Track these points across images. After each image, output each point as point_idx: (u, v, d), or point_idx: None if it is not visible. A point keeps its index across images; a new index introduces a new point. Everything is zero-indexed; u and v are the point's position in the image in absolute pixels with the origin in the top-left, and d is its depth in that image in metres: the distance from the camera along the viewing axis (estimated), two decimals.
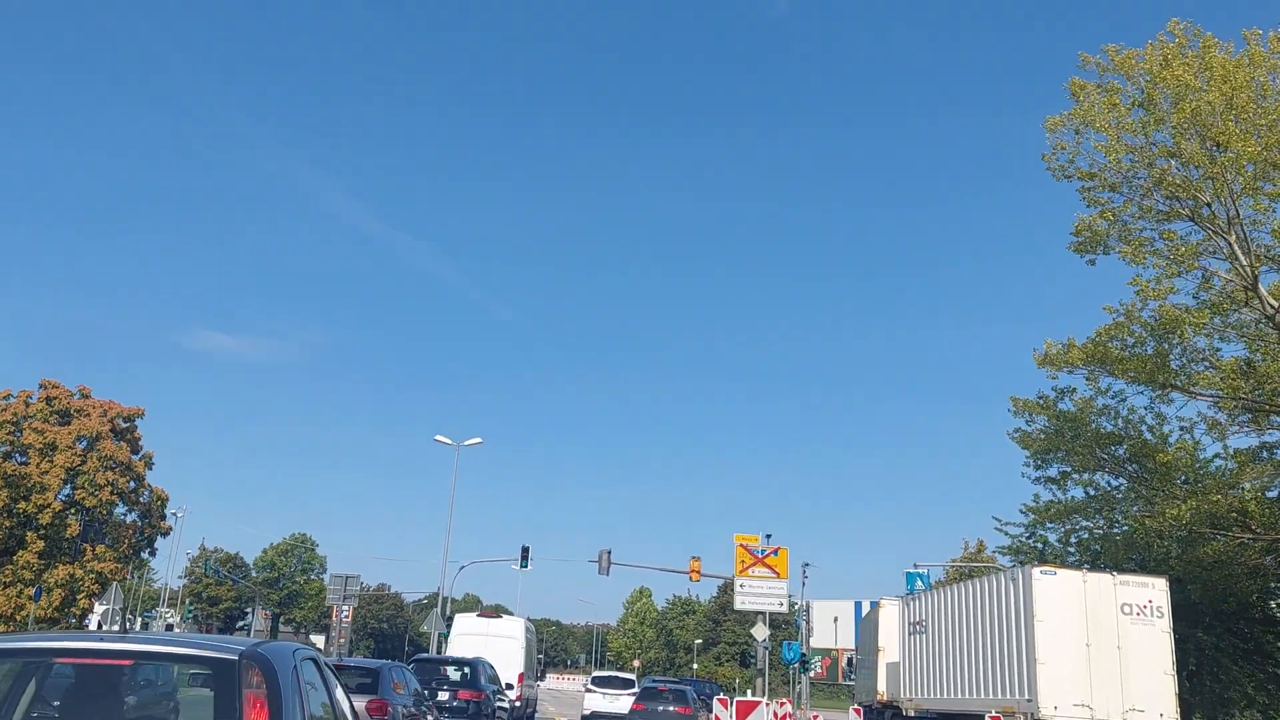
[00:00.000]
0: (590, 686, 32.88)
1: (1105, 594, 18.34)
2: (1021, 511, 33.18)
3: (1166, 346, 23.73)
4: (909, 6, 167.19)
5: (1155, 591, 18.58)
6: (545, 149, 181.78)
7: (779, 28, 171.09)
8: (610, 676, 34.26)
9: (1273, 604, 29.10)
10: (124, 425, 45.42)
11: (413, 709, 15.31)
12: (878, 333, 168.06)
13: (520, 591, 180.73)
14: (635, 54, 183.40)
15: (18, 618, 39.01)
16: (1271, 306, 21.95)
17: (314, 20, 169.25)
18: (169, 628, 70.77)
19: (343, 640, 64.42)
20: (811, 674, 55.36)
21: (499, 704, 21.73)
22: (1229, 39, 22.30)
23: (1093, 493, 30.68)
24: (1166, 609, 18.49)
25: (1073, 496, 31.01)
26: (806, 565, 48.84)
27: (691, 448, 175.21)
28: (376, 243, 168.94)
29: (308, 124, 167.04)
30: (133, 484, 44.43)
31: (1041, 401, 27.90)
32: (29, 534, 40.90)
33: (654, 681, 37.93)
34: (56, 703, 5.20)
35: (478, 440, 43.93)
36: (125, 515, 45.86)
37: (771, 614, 41.50)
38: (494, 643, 26.16)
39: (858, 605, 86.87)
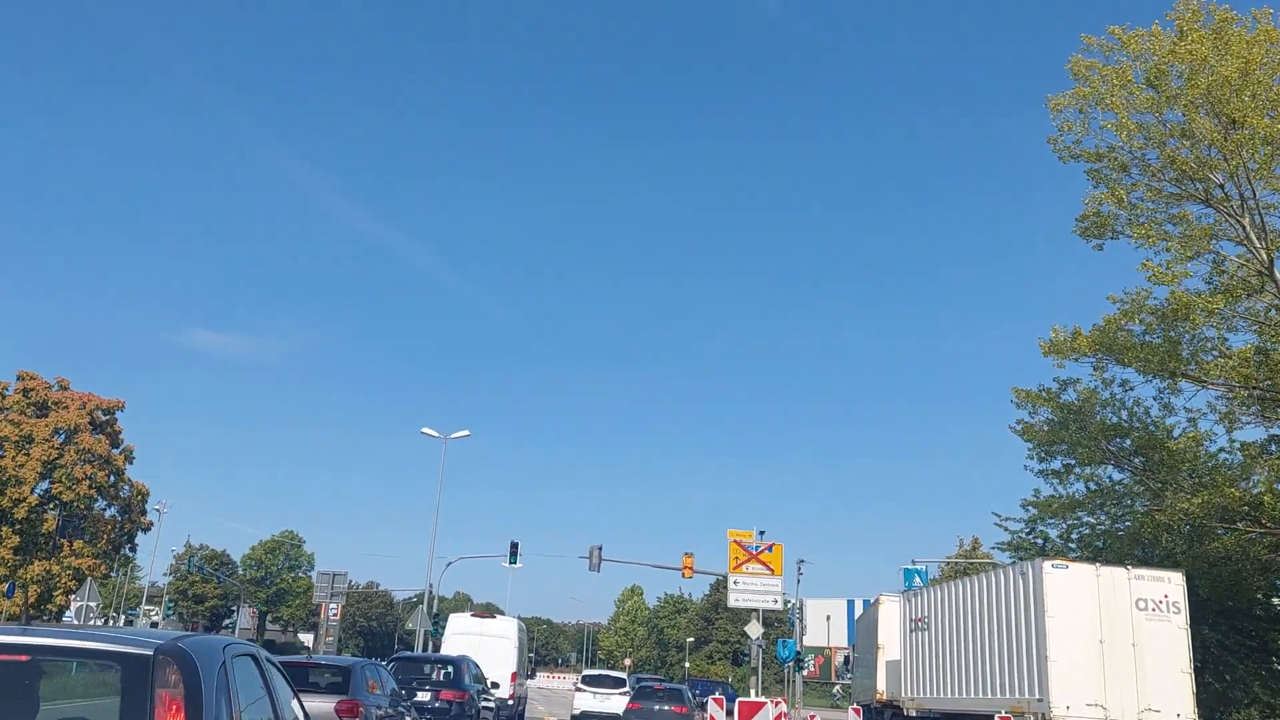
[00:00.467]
0: (580, 686, 32.00)
1: (1119, 589, 17.49)
2: (1022, 507, 32.41)
3: (1176, 334, 22.95)
4: (903, 5, 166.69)
5: (1171, 586, 17.73)
6: (538, 149, 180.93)
7: (771, 28, 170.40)
8: (601, 675, 33.34)
9: (1276, 600, 28.38)
10: (104, 418, 44.41)
11: (389, 710, 14.42)
12: (870, 333, 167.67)
13: (511, 589, 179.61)
14: (628, 53, 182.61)
15: None
16: None
17: (308, 19, 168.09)
18: (153, 626, 69.62)
19: (330, 638, 63.32)
20: (804, 673, 54.62)
21: (484, 704, 20.99)
22: (1239, 22, 21.57)
23: (1093, 487, 29.95)
24: (1183, 604, 17.65)
25: (1074, 493, 30.28)
26: (801, 562, 47.98)
27: (683, 446, 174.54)
28: (370, 242, 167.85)
29: (302, 122, 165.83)
30: (112, 478, 43.44)
31: (1044, 393, 27.08)
32: (4, 529, 39.87)
33: (650, 681, 37.12)
34: None
35: (465, 433, 43.07)
36: (105, 510, 44.83)
37: (765, 611, 40.71)
38: (487, 642, 26.22)
39: (850, 604, 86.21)
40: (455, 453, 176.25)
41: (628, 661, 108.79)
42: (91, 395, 43.85)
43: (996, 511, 34.43)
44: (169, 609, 66.07)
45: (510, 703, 25.10)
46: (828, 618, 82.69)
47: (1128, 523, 28.94)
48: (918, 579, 37.01)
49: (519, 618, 32.20)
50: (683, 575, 43.05)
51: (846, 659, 36.87)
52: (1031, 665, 17.41)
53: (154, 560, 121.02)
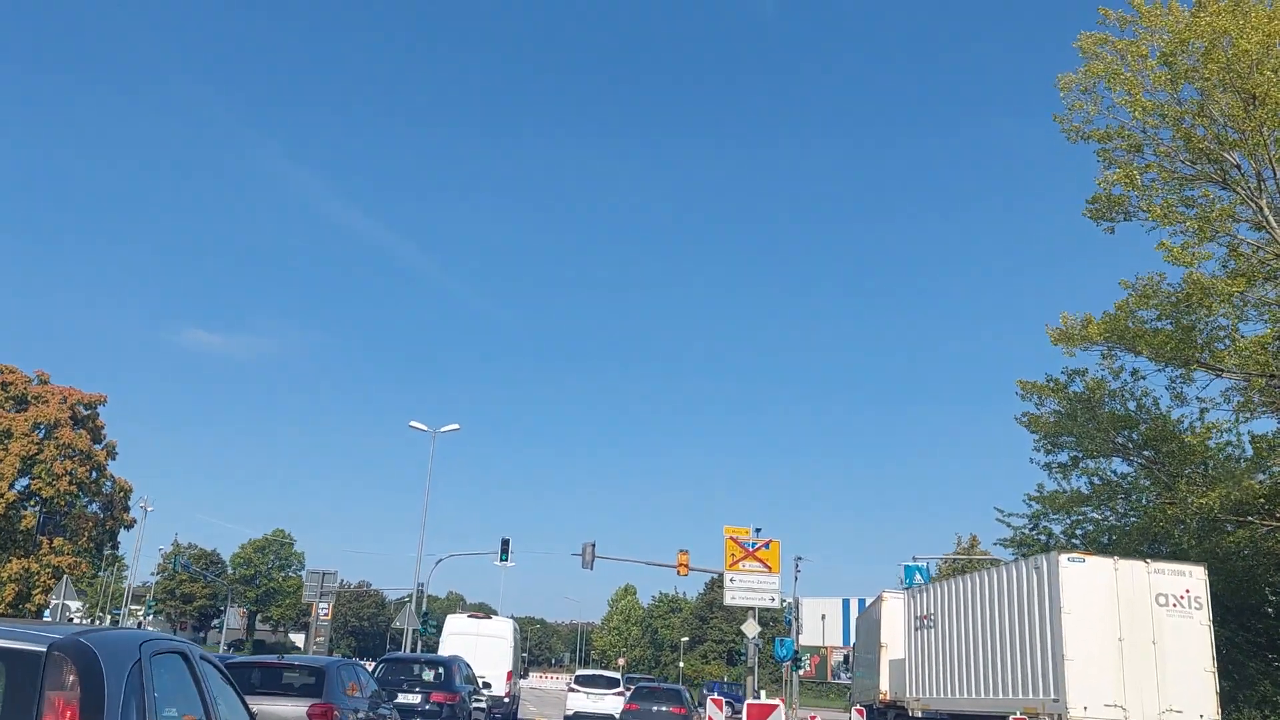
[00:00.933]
0: (574, 686, 31.34)
1: (1139, 583, 16.66)
2: (1025, 501, 31.59)
3: (1190, 321, 22.12)
4: (899, 6, 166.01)
5: (1193, 580, 16.90)
6: (531, 151, 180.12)
7: (767, 29, 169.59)
8: (594, 675, 32.60)
9: None
10: (85, 413, 43.31)
11: (368, 713, 13.50)
12: (864, 333, 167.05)
13: (503, 589, 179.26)
14: (623, 54, 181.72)
15: None
16: None
17: (302, 20, 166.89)
18: (138, 627, 68.45)
19: (320, 638, 62.18)
20: (801, 672, 53.80)
21: (476, 705, 20.58)
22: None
23: (1098, 481, 29.15)
24: (1205, 599, 16.82)
25: (1079, 487, 29.49)
26: (799, 559, 47.13)
27: (677, 447, 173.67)
28: (362, 241, 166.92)
29: (295, 123, 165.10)
30: (94, 474, 42.35)
31: (1053, 383, 26.23)
32: None
33: (647, 682, 36.52)
34: None
35: (455, 426, 42.06)
36: (87, 507, 43.75)
37: (761, 610, 39.88)
38: (484, 642, 26.72)
39: (845, 603, 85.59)
40: (448, 453, 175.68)
41: (621, 661, 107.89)
42: (73, 389, 42.75)
43: (999, 506, 33.55)
44: (149, 608, 64.81)
45: (506, 701, 25.82)
46: (823, 617, 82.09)
47: (1134, 518, 28.15)
48: (919, 576, 36.14)
49: (512, 617, 32.32)
50: (678, 573, 42.05)
51: (846, 658, 36.02)
52: (1047, 664, 16.57)
53: (138, 559, 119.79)
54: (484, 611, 39.86)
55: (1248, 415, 23.07)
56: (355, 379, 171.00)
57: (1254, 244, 21.62)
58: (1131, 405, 27.22)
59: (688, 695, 27.42)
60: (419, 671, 19.04)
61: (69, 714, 3.74)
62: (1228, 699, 26.42)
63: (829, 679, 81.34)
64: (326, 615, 64.75)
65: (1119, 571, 16.76)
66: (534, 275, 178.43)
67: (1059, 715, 16.07)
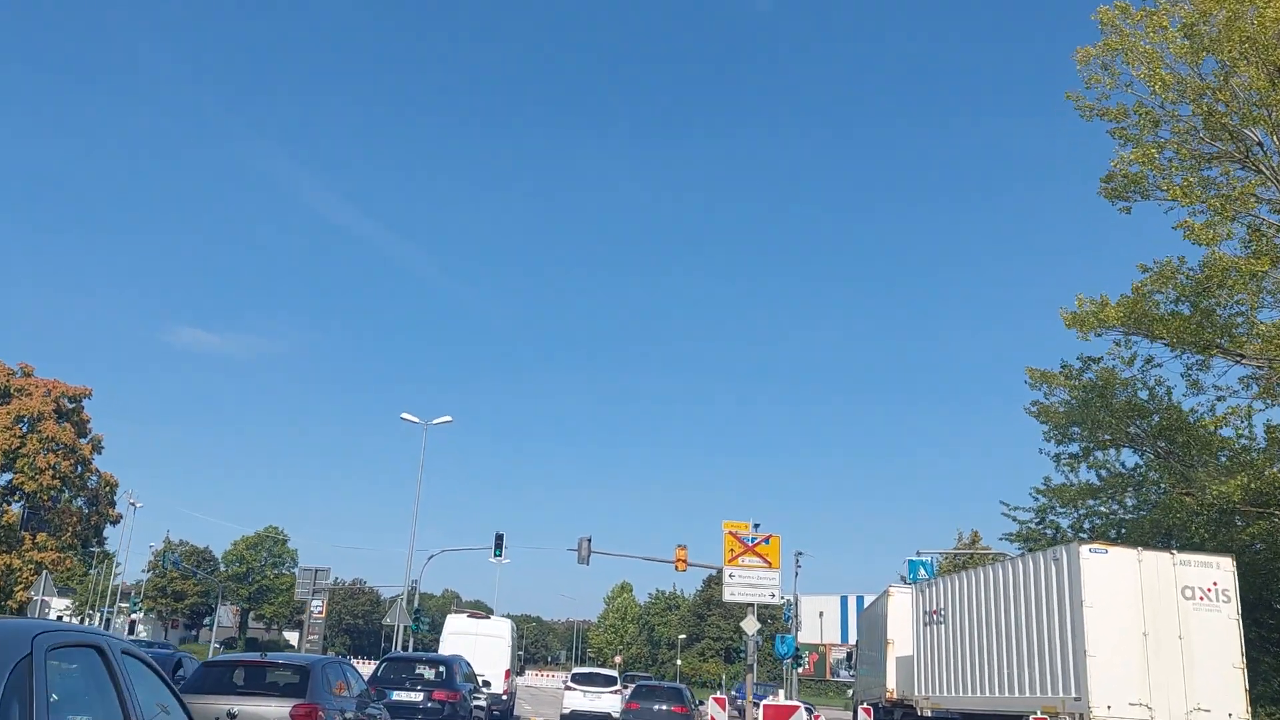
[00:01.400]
0: (570, 684, 30.64)
1: (1164, 575, 15.85)
2: (1032, 495, 30.84)
3: (1210, 304, 21.33)
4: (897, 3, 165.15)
5: (1220, 572, 16.11)
6: (526, 146, 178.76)
7: (762, 23, 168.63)
8: (591, 674, 31.88)
9: None
10: (70, 406, 42.35)
11: (356, 714, 12.82)
12: (862, 329, 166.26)
13: (498, 586, 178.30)
14: (618, 48, 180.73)
15: None
16: None
17: (296, 16, 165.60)
18: (131, 625, 67.47)
19: (314, 636, 61.28)
20: (800, 670, 53.01)
21: (476, 703, 20.80)
22: None
23: (1106, 474, 28.38)
24: (1234, 592, 16.03)
25: (1087, 480, 28.72)
26: (800, 554, 46.32)
27: (674, 444, 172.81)
28: (354, 237, 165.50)
29: (286, 118, 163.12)
30: (78, 468, 41.38)
31: (1066, 371, 25.42)
32: None
33: (648, 680, 36.13)
34: None
35: (447, 418, 41.19)
36: (72, 501, 42.78)
37: (759, 607, 39.10)
38: (483, 641, 27.56)
39: (843, 600, 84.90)
40: (443, 449, 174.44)
41: (618, 659, 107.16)
42: (57, 382, 41.82)
43: (1004, 501, 32.73)
44: (134, 604, 63.75)
45: (504, 698, 26.81)
46: (820, 614, 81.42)
47: (1145, 511, 27.39)
48: (923, 570, 35.34)
49: (508, 615, 32.81)
50: (676, 568, 41.14)
51: (849, 655, 35.23)
52: (1067, 661, 15.75)
53: (128, 556, 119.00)
54: (480, 610, 40.09)
55: (1267, 402, 22.23)
56: (348, 375, 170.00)
57: (1274, 225, 20.84)
58: (1143, 394, 26.48)
59: (689, 694, 27.04)
60: (421, 670, 19.24)
61: None
62: None
63: (827, 677, 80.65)
64: (320, 613, 63.83)
65: (1143, 563, 15.95)
66: (528, 268, 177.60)
67: (1080, 714, 15.26)
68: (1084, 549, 15.95)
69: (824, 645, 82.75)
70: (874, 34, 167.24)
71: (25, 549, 38.44)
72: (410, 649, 41.95)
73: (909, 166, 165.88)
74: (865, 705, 24.45)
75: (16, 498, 39.93)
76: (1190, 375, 23.31)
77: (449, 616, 30.90)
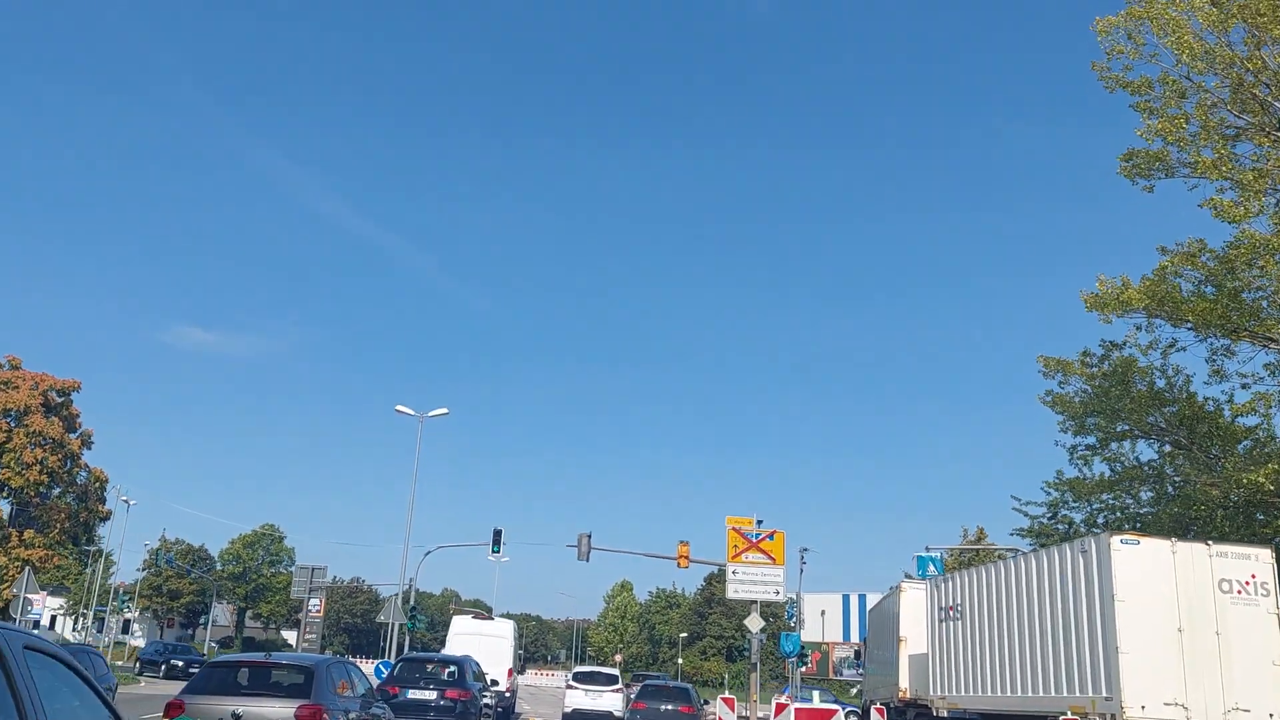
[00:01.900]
0: (572, 683, 30.14)
1: (1199, 568, 14.94)
2: (1044, 489, 29.89)
3: (1236, 285, 20.41)
4: (895, 3, 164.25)
5: (1259, 564, 15.19)
6: (526, 148, 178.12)
7: (761, 27, 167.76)
8: (592, 672, 31.31)
9: None
10: (58, 400, 41.35)
11: (360, 714, 12.67)
12: (863, 331, 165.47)
13: (498, 584, 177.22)
14: (617, 52, 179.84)
15: None
16: None
17: (295, 17, 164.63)
18: (126, 624, 66.60)
19: (311, 635, 60.33)
20: (803, 669, 52.17)
21: (485, 701, 21.76)
22: None
23: (1119, 467, 27.45)
24: (1273, 585, 15.11)
25: (1100, 473, 27.80)
26: (805, 550, 45.39)
27: (672, 445, 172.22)
28: (355, 238, 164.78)
29: (288, 121, 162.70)
30: (67, 463, 40.40)
31: (1085, 358, 24.50)
32: None
33: (655, 680, 35.82)
34: None
35: (443, 411, 40.20)
36: (61, 497, 41.80)
37: (763, 604, 38.23)
38: (486, 641, 28.86)
39: (845, 598, 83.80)
40: (441, 448, 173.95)
41: (618, 658, 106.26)
42: (45, 375, 40.81)
43: (1016, 495, 31.80)
44: (123, 602, 62.78)
45: (507, 695, 28.43)
46: (822, 613, 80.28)
47: (1163, 504, 26.46)
48: (932, 567, 34.42)
49: (508, 615, 34.25)
50: (678, 565, 40.33)
51: (857, 653, 34.32)
52: (1097, 658, 14.84)
53: (122, 554, 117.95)
54: (480, 610, 41.37)
55: None
56: (346, 374, 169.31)
57: None
58: (1161, 383, 25.58)
59: (695, 693, 26.82)
60: (435, 670, 20.29)
61: None
62: None
63: (830, 675, 79.74)
64: (317, 612, 62.91)
65: (1177, 555, 15.04)
66: (528, 267, 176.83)
67: (1112, 714, 14.36)
68: (1114, 540, 15.04)
69: (826, 644, 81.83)
70: (873, 36, 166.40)
71: (12, 546, 37.44)
72: (408, 647, 41.07)
73: (909, 166, 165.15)
74: (878, 705, 23.53)
75: (3, 493, 39.00)
76: (1215, 361, 22.40)
77: (455, 618, 33.03)
